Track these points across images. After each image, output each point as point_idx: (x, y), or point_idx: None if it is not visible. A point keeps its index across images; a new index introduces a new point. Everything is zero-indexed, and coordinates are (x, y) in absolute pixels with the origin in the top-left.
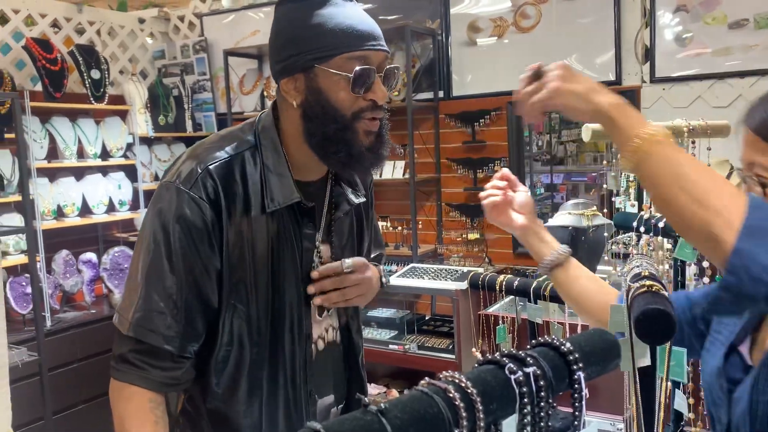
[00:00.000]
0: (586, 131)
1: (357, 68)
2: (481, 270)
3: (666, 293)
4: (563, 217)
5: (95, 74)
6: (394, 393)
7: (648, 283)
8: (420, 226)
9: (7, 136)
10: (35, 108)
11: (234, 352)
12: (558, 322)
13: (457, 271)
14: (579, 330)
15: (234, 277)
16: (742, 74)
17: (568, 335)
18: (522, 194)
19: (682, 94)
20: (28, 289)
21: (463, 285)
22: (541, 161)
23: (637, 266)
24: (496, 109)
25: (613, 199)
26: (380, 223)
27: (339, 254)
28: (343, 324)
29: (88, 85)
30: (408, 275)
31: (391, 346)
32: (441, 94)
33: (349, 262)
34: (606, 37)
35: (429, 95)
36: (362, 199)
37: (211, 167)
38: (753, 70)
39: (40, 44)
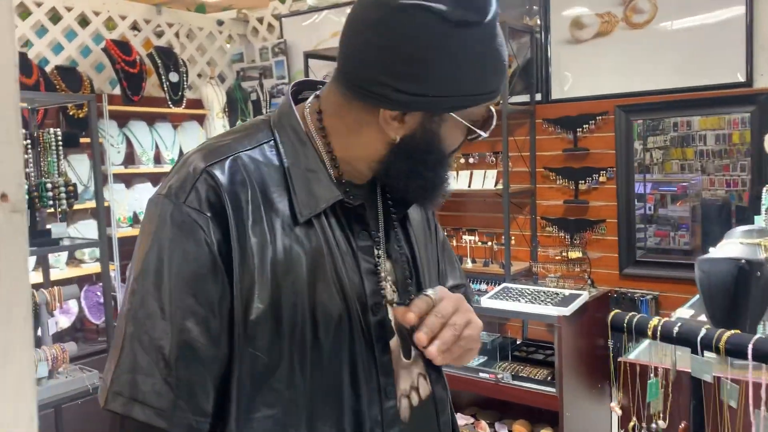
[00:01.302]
0: None
1: (484, 114)
2: (578, 294)
3: None
4: (731, 247)
5: (173, 77)
6: (483, 425)
7: None
8: (513, 242)
9: (84, 140)
10: (113, 112)
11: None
12: (731, 380)
13: (557, 293)
14: (765, 389)
15: (253, 314)
16: None
17: (748, 397)
18: None
19: None
20: (102, 299)
21: (566, 311)
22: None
23: None
24: (601, 113)
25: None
26: (467, 237)
27: (406, 274)
28: (435, 373)
29: (166, 89)
30: (501, 296)
31: (480, 374)
32: (538, 97)
33: (432, 292)
34: (734, 33)
35: (525, 98)
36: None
37: (210, 168)
38: None
39: (119, 46)
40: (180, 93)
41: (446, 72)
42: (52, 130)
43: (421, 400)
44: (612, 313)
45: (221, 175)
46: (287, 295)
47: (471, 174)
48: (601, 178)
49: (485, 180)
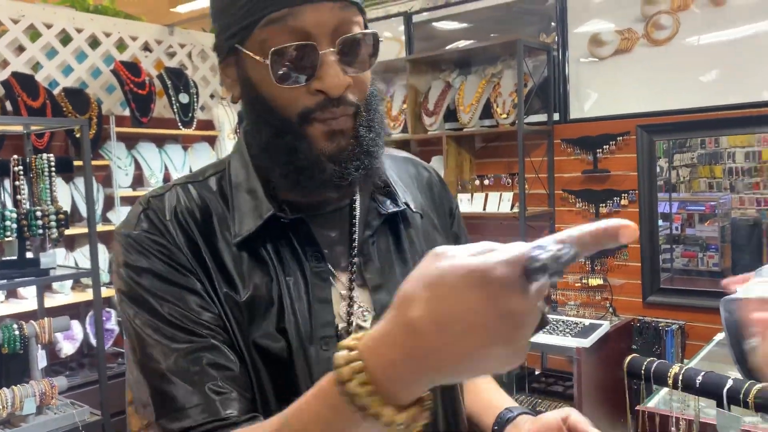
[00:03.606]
0: None
1: (273, 47)
2: (599, 324)
3: None
4: (762, 287)
5: (183, 98)
6: None
7: None
8: None
9: (93, 162)
10: (122, 134)
11: None
12: None
13: (576, 323)
14: None
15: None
16: None
17: None
18: None
19: None
20: (108, 324)
21: (586, 342)
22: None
23: None
24: (623, 133)
25: None
26: None
27: (389, 300)
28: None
29: (176, 110)
30: None
31: None
32: (556, 116)
33: None
34: (763, 50)
35: (542, 118)
36: (400, 208)
37: (153, 199)
38: None
39: (128, 67)
40: (190, 114)
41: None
42: (45, 155)
43: None
44: (628, 359)
45: (161, 204)
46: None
47: (486, 196)
48: (623, 201)
49: (501, 203)
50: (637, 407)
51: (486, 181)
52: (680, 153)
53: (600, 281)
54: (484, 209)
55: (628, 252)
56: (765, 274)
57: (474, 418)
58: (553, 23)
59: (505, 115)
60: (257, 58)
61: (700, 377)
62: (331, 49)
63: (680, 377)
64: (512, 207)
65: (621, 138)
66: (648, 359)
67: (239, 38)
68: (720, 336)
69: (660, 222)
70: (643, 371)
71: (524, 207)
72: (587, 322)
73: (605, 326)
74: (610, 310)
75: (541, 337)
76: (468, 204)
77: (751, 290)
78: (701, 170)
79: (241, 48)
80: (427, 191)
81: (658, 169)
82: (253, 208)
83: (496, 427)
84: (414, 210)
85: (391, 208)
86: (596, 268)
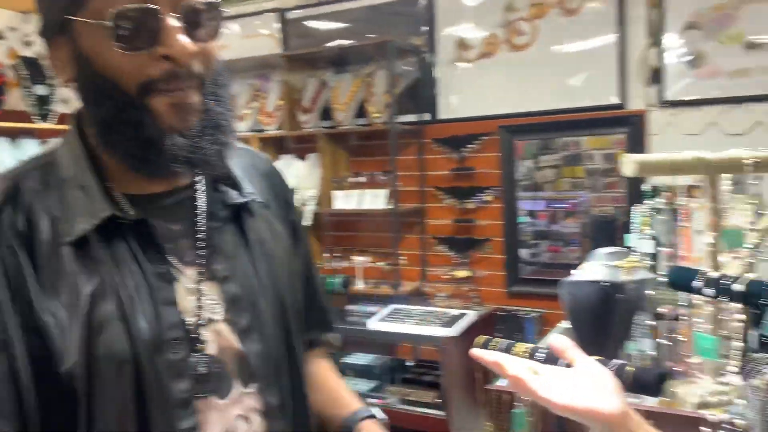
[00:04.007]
0: (629, 164)
1: (112, 10)
2: (464, 314)
3: None
4: (595, 269)
5: (40, 90)
6: None
7: None
8: (404, 262)
9: None
10: None
11: None
12: None
13: (445, 314)
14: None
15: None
16: (760, 98)
17: None
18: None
19: (694, 119)
20: None
21: (452, 331)
22: (522, 188)
23: None
24: (486, 133)
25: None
26: (359, 258)
27: (238, 291)
28: (274, 404)
29: (31, 102)
30: (390, 319)
31: (368, 400)
32: (427, 116)
33: None
34: (609, 56)
35: (413, 118)
36: (247, 198)
37: None
38: None
39: None
40: (48, 107)
41: None
42: None
43: None
44: (477, 340)
45: None
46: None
47: (361, 193)
48: (487, 197)
49: (376, 199)
50: (487, 386)
51: (361, 179)
52: (546, 155)
53: (466, 273)
54: (360, 206)
55: (491, 245)
56: (598, 256)
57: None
58: (423, 26)
59: (378, 115)
60: (97, 22)
61: (541, 355)
62: (175, 14)
63: (527, 355)
64: (386, 204)
65: (485, 137)
66: (494, 339)
67: (73, 9)
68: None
69: (528, 219)
70: (489, 349)
71: (396, 203)
72: (454, 312)
73: (470, 316)
74: (476, 300)
75: (410, 328)
76: (344, 200)
77: (585, 272)
78: (565, 171)
79: (76, 18)
80: (266, 180)
81: (526, 170)
82: (85, 207)
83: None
84: (257, 200)
85: (237, 199)
86: (463, 260)
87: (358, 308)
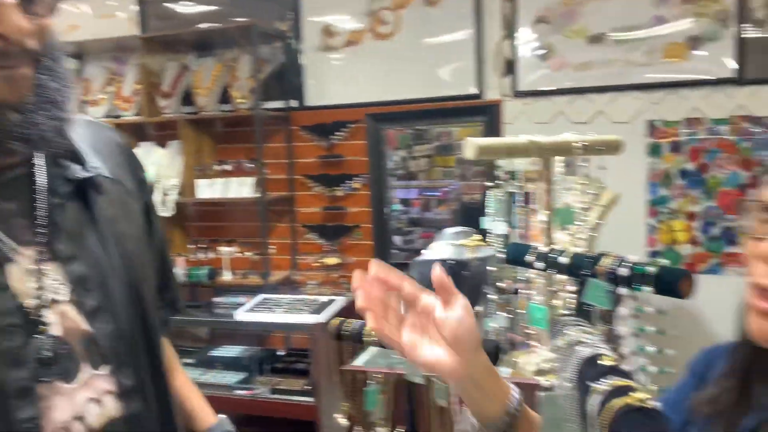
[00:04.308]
0: (471, 147)
1: None
2: (334, 300)
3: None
4: (442, 249)
5: None
6: None
7: (635, 396)
8: (273, 251)
9: None
10: None
11: None
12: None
13: (314, 300)
14: None
15: None
16: (601, 90)
17: (454, 397)
18: (456, 314)
19: (545, 109)
20: None
21: (321, 318)
22: (396, 176)
23: (583, 341)
24: (353, 121)
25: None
26: (226, 248)
27: (85, 271)
28: (128, 386)
29: None
30: (259, 308)
31: (237, 392)
32: (294, 103)
33: None
34: (467, 48)
35: (280, 104)
36: (91, 173)
37: None
38: (613, 85)
39: None
40: None
41: None
42: None
43: (92, 429)
44: (333, 322)
45: None
46: None
47: (227, 182)
48: (356, 185)
49: (242, 188)
50: (342, 367)
51: (227, 167)
52: (420, 144)
53: (336, 260)
54: (226, 194)
55: (361, 231)
56: (445, 236)
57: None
58: (288, 12)
59: (242, 100)
60: None
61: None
62: None
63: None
64: (253, 192)
65: (352, 125)
66: (348, 320)
67: None
68: None
69: (402, 207)
70: (339, 333)
71: (264, 192)
72: (324, 299)
73: (339, 302)
74: (346, 286)
75: (279, 317)
76: (208, 189)
77: (432, 251)
78: (437, 160)
79: None
80: (117, 156)
81: (400, 159)
82: None
83: None
84: (105, 175)
85: (80, 174)
86: (332, 247)
87: (226, 300)
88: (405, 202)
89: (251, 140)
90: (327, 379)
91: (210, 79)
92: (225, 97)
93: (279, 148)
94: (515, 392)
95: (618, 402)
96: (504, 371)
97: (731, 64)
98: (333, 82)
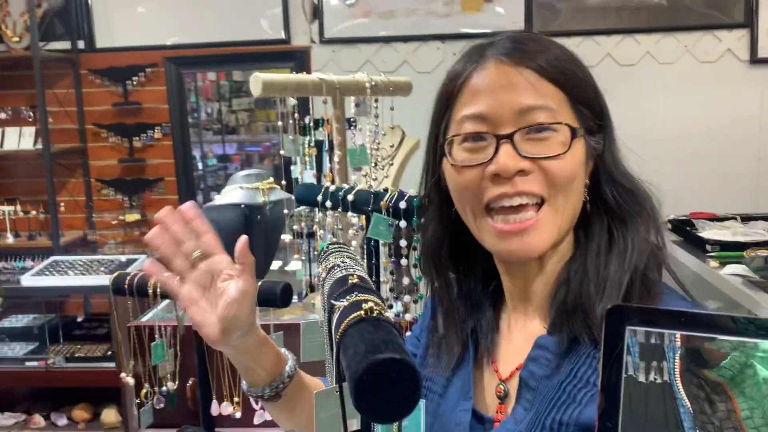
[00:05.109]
0: (256, 82)
1: None
2: (135, 258)
3: (390, 319)
4: (233, 193)
5: None
6: (37, 419)
7: (366, 306)
8: (63, 209)
9: None
10: None
11: None
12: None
13: (113, 261)
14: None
15: None
16: (405, 39)
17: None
18: (233, 296)
19: (352, 56)
20: None
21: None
22: (212, 130)
23: (339, 265)
24: (151, 65)
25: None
26: (6, 208)
27: None
28: None
29: None
30: (48, 272)
31: (28, 363)
32: (81, 44)
33: None
34: None
35: (65, 45)
36: None
37: None
38: (416, 35)
39: None
40: None
41: None
42: None
43: None
44: (113, 276)
45: None
46: None
47: (3, 132)
48: (157, 135)
49: (21, 139)
50: (128, 324)
51: (2, 115)
52: (239, 98)
53: (138, 216)
54: (1, 147)
55: (165, 185)
56: (236, 180)
57: None
58: None
59: (17, 39)
60: None
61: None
62: None
63: (158, 287)
64: (35, 144)
65: (150, 70)
66: (132, 273)
67: None
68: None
69: (216, 162)
70: (126, 286)
71: (48, 143)
72: (124, 258)
73: (142, 260)
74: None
75: (76, 280)
76: None
77: (225, 196)
78: (258, 114)
79: None
80: None
81: (215, 113)
82: None
83: None
84: None
85: None
86: (133, 203)
87: (10, 265)
88: (224, 158)
89: (30, 85)
90: (127, 341)
91: None
92: None
93: (66, 95)
94: (290, 365)
95: (353, 316)
96: (298, 315)
97: (520, 21)
98: (126, 20)
